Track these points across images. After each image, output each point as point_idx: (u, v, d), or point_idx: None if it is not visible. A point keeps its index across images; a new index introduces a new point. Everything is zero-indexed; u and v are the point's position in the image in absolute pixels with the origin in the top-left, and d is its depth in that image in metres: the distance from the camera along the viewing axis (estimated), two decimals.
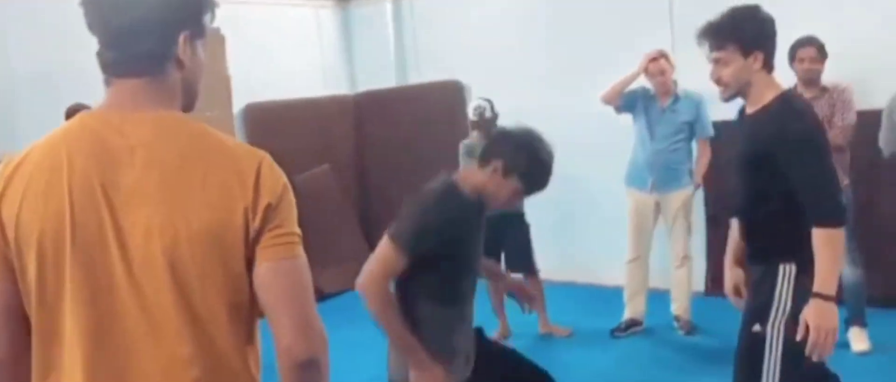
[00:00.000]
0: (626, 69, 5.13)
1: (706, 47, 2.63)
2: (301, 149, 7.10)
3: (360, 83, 7.86)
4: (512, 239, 5.08)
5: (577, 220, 6.25)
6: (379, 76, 7.57)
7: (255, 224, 1.34)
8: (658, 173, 4.97)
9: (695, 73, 5.14)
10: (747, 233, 2.78)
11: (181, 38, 1.38)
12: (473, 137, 5.24)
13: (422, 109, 7.29)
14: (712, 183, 5.34)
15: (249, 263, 1.36)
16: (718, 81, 2.64)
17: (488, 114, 5.13)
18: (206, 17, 1.44)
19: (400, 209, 2.55)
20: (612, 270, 5.68)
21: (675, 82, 5.01)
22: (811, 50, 4.45)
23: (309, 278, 1.40)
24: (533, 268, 5.18)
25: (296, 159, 7.05)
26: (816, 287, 2.43)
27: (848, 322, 4.51)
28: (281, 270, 1.36)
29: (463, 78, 7.14)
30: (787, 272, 2.55)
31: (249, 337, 1.42)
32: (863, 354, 4.46)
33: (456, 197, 2.57)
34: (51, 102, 4.60)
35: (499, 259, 5.12)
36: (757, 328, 2.59)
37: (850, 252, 4.42)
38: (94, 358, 1.32)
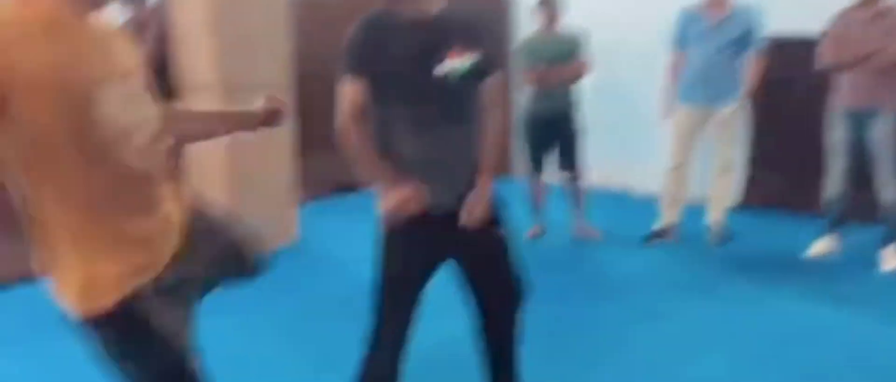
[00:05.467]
0: None
1: None
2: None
3: None
4: (563, 138, 5.20)
5: (616, 125, 6.29)
6: None
7: None
8: (710, 88, 4.98)
9: None
10: None
11: None
12: (536, 33, 5.24)
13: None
14: (759, 97, 5.34)
15: None
16: None
17: None
18: None
19: None
20: (648, 177, 5.76)
21: None
22: None
23: None
24: (578, 170, 5.30)
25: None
26: None
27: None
28: None
29: None
30: None
31: None
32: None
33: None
34: None
35: (548, 156, 5.30)
36: None
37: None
38: None
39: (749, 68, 5.01)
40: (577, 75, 5.20)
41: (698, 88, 5.01)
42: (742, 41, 4.93)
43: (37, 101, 1.48)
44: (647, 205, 5.57)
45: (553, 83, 5.13)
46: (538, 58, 5.14)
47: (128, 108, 1.65)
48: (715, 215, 5.22)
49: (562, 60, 5.15)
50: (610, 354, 3.54)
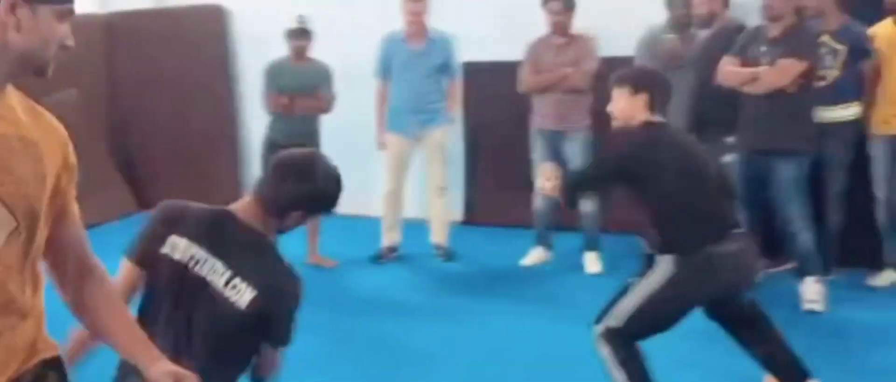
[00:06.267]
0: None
1: None
2: None
3: (112, 2, 7.33)
4: None
5: (347, 152, 6.34)
6: None
7: None
8: (419, 115, 5.23)
9: (446, 15, 5.44)
10: None
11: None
12: (284, 59, 5.21)
13: (180, 33, 6.98)
14: (469, 118, 5.67)
15: None
16: None
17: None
18: None
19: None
20: (370, 201, 5.86)
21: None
22: (558, 3, 4.88)
23: None
24: None
25: (40, 81, 6.51)
26: None
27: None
28: None
29: (227, 2, 6.90)
30: None
31: None
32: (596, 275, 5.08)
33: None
34: None
35: None
36: None
37: None
38: None
39: (450, 93, 5.33)
40: (320, 109, 5.21)
41: (407, 116, 5.24)
42: (443, 68, 5.24)
43: None
44: (373, 226, 5.68)
45: (295, 112, 5.11)
46: (284, 85, 5.10)
47: None
48: (437, 235, 5.46)
49: (307, 90, 5.13)
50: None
